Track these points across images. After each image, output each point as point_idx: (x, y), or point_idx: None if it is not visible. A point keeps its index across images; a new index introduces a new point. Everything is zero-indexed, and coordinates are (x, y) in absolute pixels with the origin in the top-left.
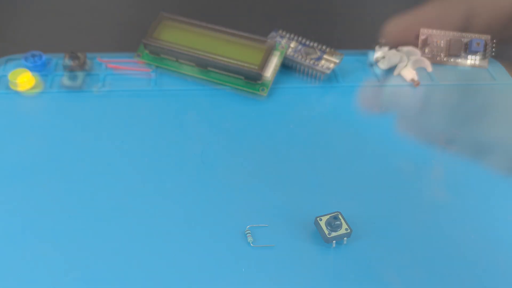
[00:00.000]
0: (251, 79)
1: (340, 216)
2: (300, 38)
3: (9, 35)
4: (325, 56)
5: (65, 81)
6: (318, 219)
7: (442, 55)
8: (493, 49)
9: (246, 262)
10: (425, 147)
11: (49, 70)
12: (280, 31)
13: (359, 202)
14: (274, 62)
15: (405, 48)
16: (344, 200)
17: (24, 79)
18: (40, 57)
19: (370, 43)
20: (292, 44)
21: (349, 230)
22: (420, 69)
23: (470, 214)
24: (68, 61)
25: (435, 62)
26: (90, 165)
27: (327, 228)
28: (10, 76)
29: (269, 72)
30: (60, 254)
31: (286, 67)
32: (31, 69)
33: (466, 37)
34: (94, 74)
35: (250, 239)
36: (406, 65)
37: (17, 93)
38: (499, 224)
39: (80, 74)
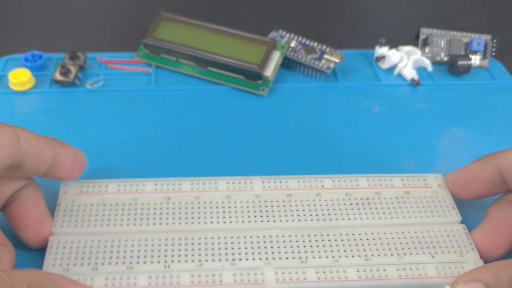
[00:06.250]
0: (252, 78)
1: None
2: (300, 38)
3: (9, 35)
4: (325, 56)
5: (58, 76)
6: None
7: (442, 54)
8: (494, 49)
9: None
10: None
11: (49, 70)
12: (280, 31)
13: None
14: (274, 62)
15: (405, 48)
16: None
17: (24, 79)
18: (40, 57)
19: (371, 43)
20: (293, 44)
21: None
22: (420, 69)
23: None
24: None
25: (435, 61)
26: (90, 163)
27: None
28: (10, 76)
29: (270, 71)
30: None
31: (286, 66)
32: (31, 69)
33: (466, 36)
34: (94, 73)
35: None
36: (406, 65)
37: (17, 92)
38: None
39: (73, 69)
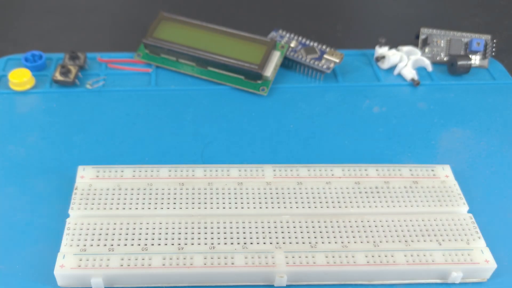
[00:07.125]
0: (251, 78)
1: None
2: (300, 38)
3: (9, 35)
4: (325, 56)
5: (58, 76)
6: None
7: (442, 54)
8: (493, 49)
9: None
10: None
11: (49, 70)
12: (280, 31)
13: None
14: (274, 62)
15: (405, 48)
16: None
17: (24, 79)
18: (40, 57)
19: (371, 43)
20: (293, 44)
21: None
22: (420, 69)
23: None
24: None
25: (435, 61)
26: (90, 163)
27: None
28: (10, 76)
29: (269, 71)
30: None
31: (286, 66)
32: (31, 69)
33: (466, 37)
34: (94, 73)
35: None
36: (406, 65)
37: (17, 92)
38: None
39: (73, 69)
